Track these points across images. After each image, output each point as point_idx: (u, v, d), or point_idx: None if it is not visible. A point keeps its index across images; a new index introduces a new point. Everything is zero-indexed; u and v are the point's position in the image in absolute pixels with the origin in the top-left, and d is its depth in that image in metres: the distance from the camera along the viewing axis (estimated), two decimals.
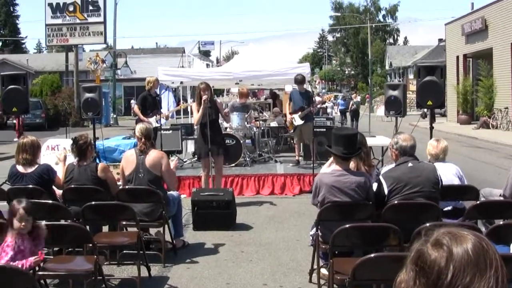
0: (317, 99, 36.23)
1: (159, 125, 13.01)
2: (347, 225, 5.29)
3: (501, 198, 7.02)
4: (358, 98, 39.40)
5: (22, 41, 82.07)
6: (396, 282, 1.65)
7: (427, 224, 4.65)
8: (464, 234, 1.57)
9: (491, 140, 25.18)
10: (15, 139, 23.66)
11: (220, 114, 10.73)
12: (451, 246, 1.53)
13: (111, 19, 40.85)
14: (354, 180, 6.10)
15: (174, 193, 8.17)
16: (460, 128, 33.05)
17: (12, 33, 74.63)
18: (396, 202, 6.03)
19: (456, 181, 7.13)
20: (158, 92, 13.88)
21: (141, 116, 12.98)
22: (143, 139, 7.58)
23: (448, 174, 7.11)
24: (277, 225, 9.67)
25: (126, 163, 7.69)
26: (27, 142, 7.36)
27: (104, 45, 52.20)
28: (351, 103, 35.19)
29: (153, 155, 7.56)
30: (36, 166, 7.34)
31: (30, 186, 7.17)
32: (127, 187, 7.49)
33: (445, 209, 6.77)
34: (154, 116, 13.22)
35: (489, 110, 32.29)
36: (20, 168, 7.30)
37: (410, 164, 6.16)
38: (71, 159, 7.71)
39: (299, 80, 13.32)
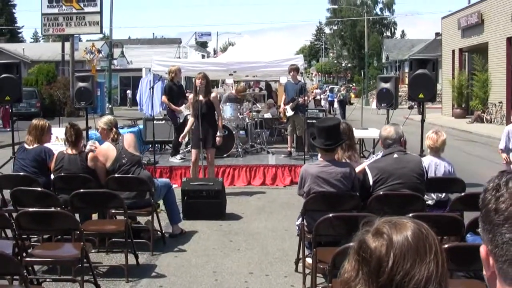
0: (317, 91, 36.84)
1: (188, 113, 13.11)
2: (330, 215, 5.33)
3: None
4: (344, 91, 42.26)
5: (19, 30, 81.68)
6: (340, 271, 1.70)
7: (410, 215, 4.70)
8: (404, 222, 1.62)
9: (485, 134, 25.23)
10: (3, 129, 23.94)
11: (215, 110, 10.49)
12: (391, 234, 1.58)
13: (107, 9, 40.72)
14: (339, 171, 6.16)
15: (164, 179, 8.51)
16: (454, 122, 33.11)
17: (9, 22, 74.12)
18: (381, 193, 6.08)
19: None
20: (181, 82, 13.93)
21: (172, 106, 13.07)
22: (113, 129, 7.90)
23: (443, 169, 7.16)
24: (267, 215, 9.74)
25: (105, 155, 7.71)
26: (33, 124, 7.89)
27: (101, 35, 52.04)
28: (338, 95, 39.39)
29: (125, 138, 8.08)
30: (36, 145, 7.76)
31: (21, 173, 7.55)
32: (116, 175, 7.54)
33: (428, 202, 6.82)
34: (183, 105, 13.29)
35: (483, 104, 32.34)
36: (25, 145, 7.86)
37: (395, 156, 6.20)
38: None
39: (292, 70, 13.38)
